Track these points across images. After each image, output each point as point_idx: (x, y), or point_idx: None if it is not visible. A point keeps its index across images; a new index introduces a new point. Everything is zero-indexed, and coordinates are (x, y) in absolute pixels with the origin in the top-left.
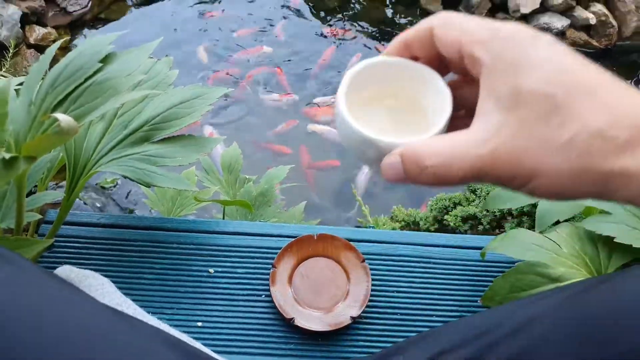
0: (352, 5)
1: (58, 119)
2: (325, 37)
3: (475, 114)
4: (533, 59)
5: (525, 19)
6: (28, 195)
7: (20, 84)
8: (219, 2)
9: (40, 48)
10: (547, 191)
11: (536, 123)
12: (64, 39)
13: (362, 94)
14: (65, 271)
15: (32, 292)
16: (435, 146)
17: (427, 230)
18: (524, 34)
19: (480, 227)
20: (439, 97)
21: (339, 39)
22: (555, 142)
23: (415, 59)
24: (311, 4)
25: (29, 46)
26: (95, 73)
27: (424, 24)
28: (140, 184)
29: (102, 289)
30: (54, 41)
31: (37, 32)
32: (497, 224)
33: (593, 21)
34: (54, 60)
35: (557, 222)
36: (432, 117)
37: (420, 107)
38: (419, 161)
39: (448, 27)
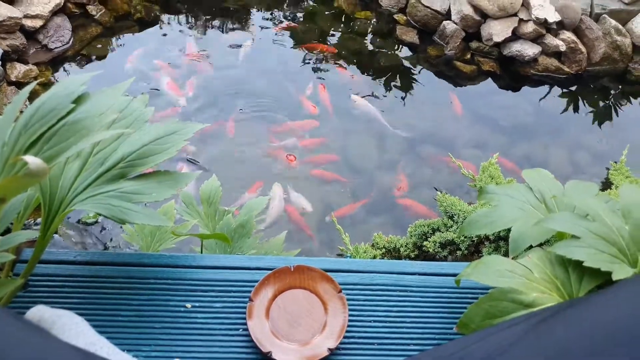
0: (330, 37)
1: (27, 161)
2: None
3: None
4: None
5: (498, 47)
6: (5, 233)
7: None
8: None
9: (21, 85)
10: None
11: None
12: (43, 77)
13: None
14: (39, 312)
15: None
16: None
17: (407, 256)
18: None
19: (459, 253)
20: None
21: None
22: None
23: None
24: (290, 37)
25: (10, 83)
26: (68, 114)
27: None
28: (115, 221)
29: (76, 328)
30: (35, 78)
31: (18, 70)
32: (475, 249)
33: (563, 48)
34: (35, 96)
35: (530, 247)
36: None
37: None
38: None
39: None
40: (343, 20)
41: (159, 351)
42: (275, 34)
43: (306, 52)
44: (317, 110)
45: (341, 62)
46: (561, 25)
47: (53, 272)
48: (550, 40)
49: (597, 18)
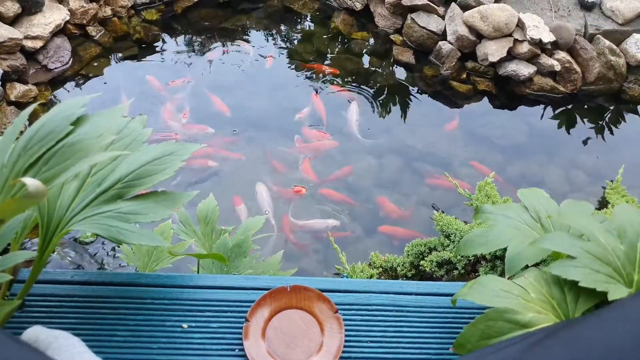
0: (328, 57)
1: (26, 183)
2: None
3: None
4: None
5: (494, 66)
6: (2, 253)
7: None
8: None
9: (20, 105)
10: None
11: None
12: (42, 97)
13: None
14: (35, 332)
15: None
16: None
17: (404, 275)
18: None
19: (456, 272)
20: None
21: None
22: None
23: None
24: (287, 57)
25: (10, 103)
26: (66, 135)
27: None
28: (112, 241)
29: (72, 349)
30: (34, 98)
31: (17, 90)
32: (471, 269)
33: (558, 68)
34: (35, 116)
35: (526, 267)
36: None
37: None
38: None
39: None
40: (340, 41)
41: None
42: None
43: (306, 71)
44: (329, 135)
45: (338, 80)
46: (556, 45)
47: (50, 292)
48: (545, 60)
49: (591, 38)
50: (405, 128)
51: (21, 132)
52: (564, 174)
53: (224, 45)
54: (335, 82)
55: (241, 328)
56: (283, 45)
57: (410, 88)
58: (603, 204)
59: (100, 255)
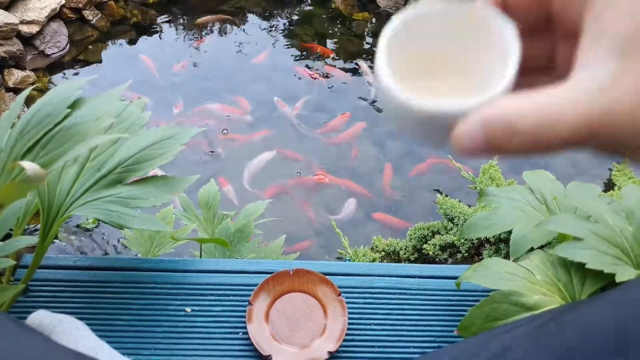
0: (328, 40)
1: (24, 167)
2: (300, 78)
3: (577, 64)
4: None
5: None
6: (5, 239)
7: None
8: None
9: (18, 91)
10: None
11: None
12: (39, 82)
13: (407, 57)
14: (39, 317)
15: None
16: (525, 104)
17: (407, 259)
18: None
19: (459, 255)
20: (503, 46)
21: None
22: None
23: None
24: (286, 40)
25: (8, 89)
26: (64, 119)
27: None
28: (113, 226)
29: (76, 333)
30: (32, 84)
31: (15, 76)
32: (475, 252)
33: None
34: (32, 102)
35: (532, 250)
36: (496, 73)
37: (478, 65)
38: (508, 125)
39: None
40: (340, 22)
41: (159, 355)
42: (274, 39)
43: (304, 50)
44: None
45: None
46: None
47: (53, 277)
48: None
49: None
50: None
51: (18, 117)
52: (569, 157)
53: (221, 29)
54: (331, 64)
55: (244, 311)
56: (282, 27)
57: None
58: (609, 186)
59: (103, 241)
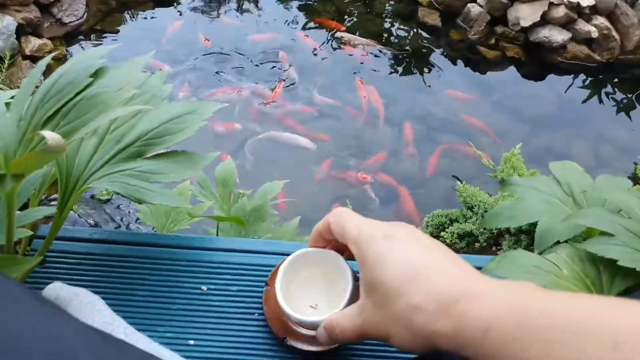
0: (348, 19)
1: (45, 136)
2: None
3: (360, 296)
4: (384, 259)
5: (525, 32)
6: (21, 209)
7: (12, 97)
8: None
9: (35, 59)
10: (402, 347)
11: (382, 303)
12: (58, 51)
13: (301, 274)
14: (55, 289)
15: (13, 316)
16: (339, 319)
17: None
18: (379, 234)
19: (477, 245)
20: (345, 274)
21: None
22: (393, 315)
23: (331, 241)
24: (308, 19)
25: (25, 57)
26: (85, 88)
27: (326, 217)
28: (131, 200)
29: (92, 307)
30: (49, 52)
31: (32, 43)
32: (494, 241)
33: (595, 34)
34: (50, 71)
35: (557, 243)
36: (342, 289)
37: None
38: (332, 330)
39: (336, 222)
40: (361, 1)
41: (173, 332)
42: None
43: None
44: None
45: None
46: (595, 10)
47: (69, 249)
48: (582, 26)
49: (633, 3)
50: (428, 94)
51: (37, 87)
52: (592, 148)
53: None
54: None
55: (260, 292)
56: (302, 3)
57: (436, 52)
58: (634, 180)
59: (118, 214)
